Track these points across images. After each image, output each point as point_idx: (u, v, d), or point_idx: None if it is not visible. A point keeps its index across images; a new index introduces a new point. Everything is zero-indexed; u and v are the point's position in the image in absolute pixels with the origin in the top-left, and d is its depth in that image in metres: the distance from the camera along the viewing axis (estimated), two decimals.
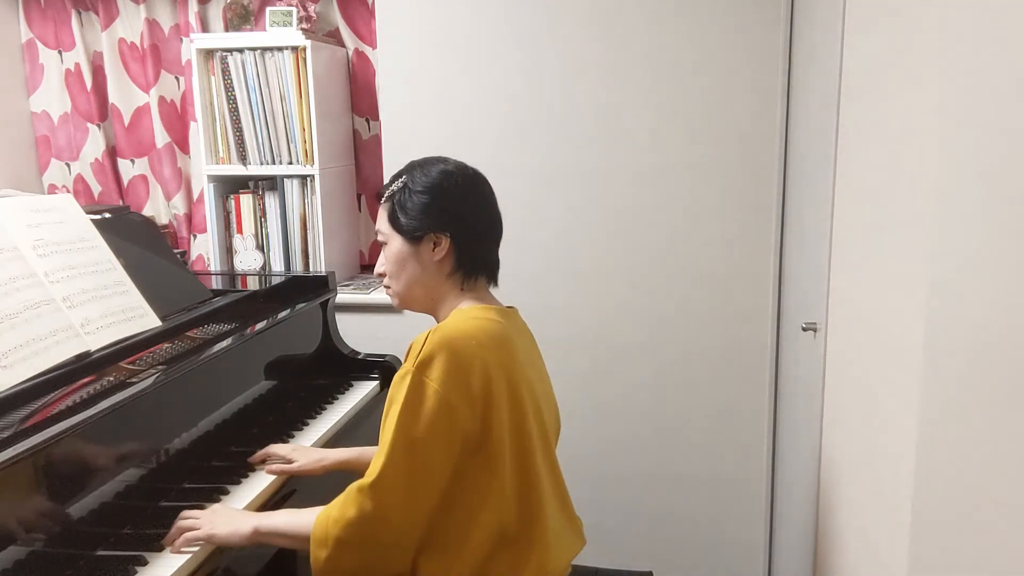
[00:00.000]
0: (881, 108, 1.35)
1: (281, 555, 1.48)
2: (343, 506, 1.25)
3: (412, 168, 1.39)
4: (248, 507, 1.47)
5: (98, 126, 2.80)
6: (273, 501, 1.55)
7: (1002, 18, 0.98)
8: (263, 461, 1.63)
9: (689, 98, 2.22)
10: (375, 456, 1.26)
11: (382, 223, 1.40)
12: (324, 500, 1.31)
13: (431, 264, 1.36)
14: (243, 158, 2.48)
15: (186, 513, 1.36)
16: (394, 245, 1.38)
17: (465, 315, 1.32)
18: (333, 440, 1.82)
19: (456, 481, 1.27)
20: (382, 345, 2.30)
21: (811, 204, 1.90)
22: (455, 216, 1.35)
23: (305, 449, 1.65)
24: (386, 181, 1.42)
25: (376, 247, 2.77)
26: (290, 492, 1.59)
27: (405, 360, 1.29)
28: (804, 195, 1.99)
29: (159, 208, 2.84)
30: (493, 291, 1.45)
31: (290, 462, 1.61)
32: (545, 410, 1.41)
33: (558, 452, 1.44)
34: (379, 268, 1.43)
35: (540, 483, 1.33)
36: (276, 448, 1.64)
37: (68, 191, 2.85)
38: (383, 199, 1.40)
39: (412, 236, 1.36)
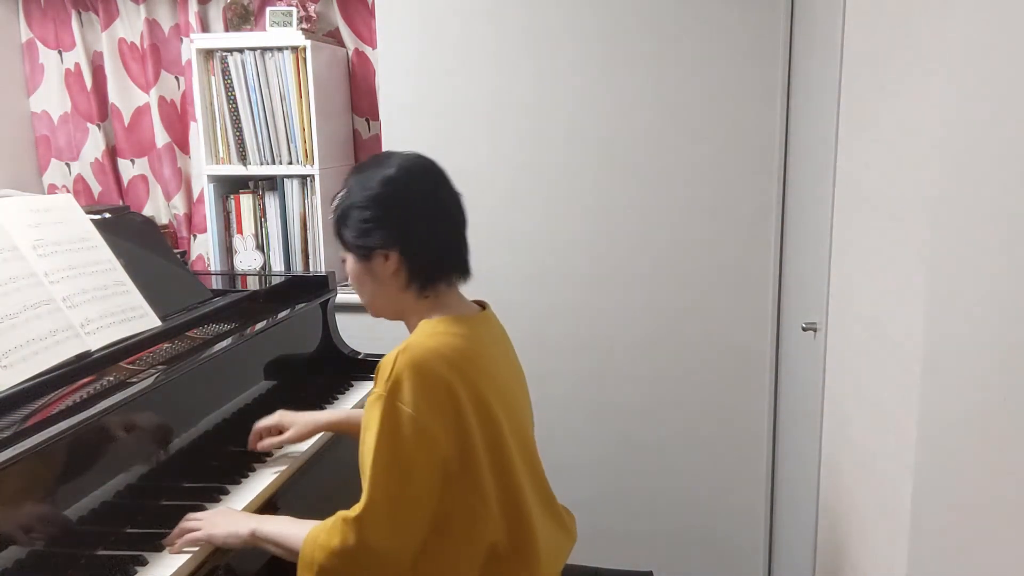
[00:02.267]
0: (881, 107, 1.35)
1: None
2: (329, 533, 1.22)
3: (353, 178, 1.33)
4: (248, 507, 1.47)
5: (98, 126, 2.80)
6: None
7: (1002, 17, 0.98)
8: (257, 446, 1.63)
9: (689, 97, 2.22)
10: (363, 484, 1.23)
11: (336, 237, 1.37)
12: (309, 512, 1.30)
13: (387, 277, 1.31)
14: (243, 158, 2.48)
15: (190, 515, 1.36)
16: (348, 263, 1.35)
17: (431, 330, 1.28)
18: (334, 440, 1.82)
19: (443, 505, 1.24)
20: (382, 345, 2.29)
21: (811, 204, 1.90)
22: (401, 229, 1.29)
23: (293, 415, 1.65)
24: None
25: None
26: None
27: (376, 382, 1.25)
28: (804, 195, 1.99)
29: (159, 208, 2.84)
30: (465, 287, 1.40)
31: (281, 431, 1.62)
32: (521, 414, 1.39)
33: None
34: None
35: (524, 498, 1.30)
36: (263, 421, 1.63)
37: (68, 191, 2.85)
38: (331, 211, 1.36)
39: (360, 253, 1.32)
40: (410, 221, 1.30)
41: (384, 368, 1.23)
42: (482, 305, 1.43)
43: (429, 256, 1.32)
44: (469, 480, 1.25)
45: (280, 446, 1.63)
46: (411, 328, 1.36)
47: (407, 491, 1.21)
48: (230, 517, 1.36)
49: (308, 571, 1.24)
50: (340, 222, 1.33)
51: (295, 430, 1.62)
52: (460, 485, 1.24)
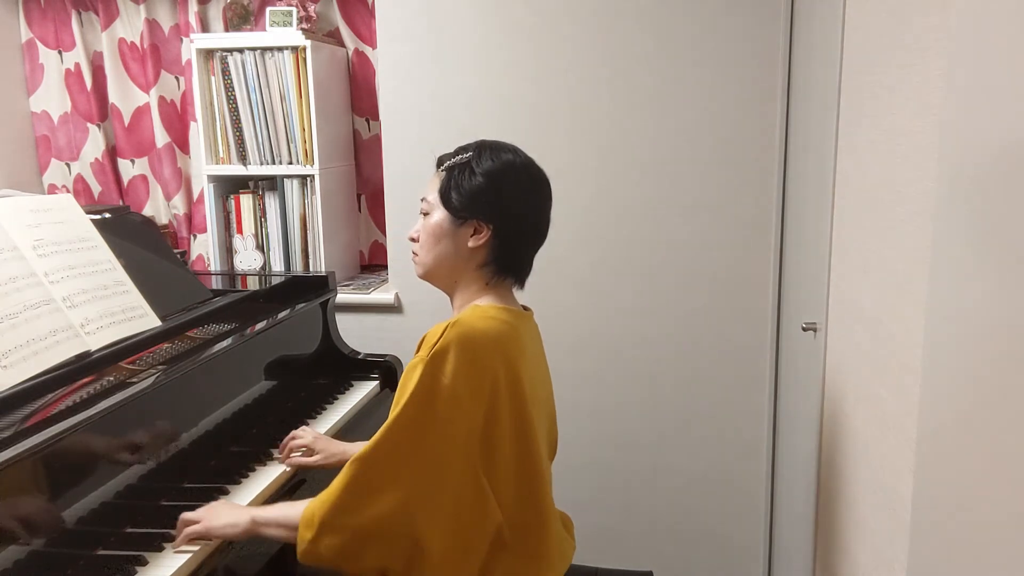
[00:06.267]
0: (881, 108, 1.35)
1: (281, 554, 1.48)
2: (332, 485, 1.25)
3: (481, 148, 1.36)
4: (249, 505, 1.47)
5: (98, 126, 2.79)
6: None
7: (1002, 17, 0.98)
8: (285, 450, 1.65)
9: (689, 98, 2.22)
10: None
11: (431, 192, 1.37)
12: None
13: (465, 249, 1.34)
14: (243, 158, 2.48)
15: (186, 513, 1.36)
16: (436, 217, 1.36)
17: (482, 313, 1.30)
18: (338, 436, 1.82)
19: (460, 482, 1.24)
20: (382, 345, 2.30)
21: (811, 204, 1.90)
22: (505, 210, 1.33)
23: (327, 440, 1.66)
24: (451, 150, 1.39)
25: (377, 247, 2.77)
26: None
27: (418, 350, 1.27)
28: (804, 195, 1.99)
29: (159, 208, 2.84)
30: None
31: (312, 452, 1.63)
32: (547, 418, 1.42)
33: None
34: (413, 233, 1.41)
35: (544, 489, 1.31)
36: (299, 433, 1.66)
37: (68, 191, 2.85)
38: (440, 167, 1.38)
39: (457, 215, 1.34)
40: (515, 207, 1.35)
41: (431, 337, 1.25)
42: (527, 310, 1.46)
43: (517, 247, 1.37)
44: (490, 459, 1.26)
45: (307, 467, 1.63)
46: (455, 305, 1.39)
47: (414, 446, 1.22)
48: (228, 509, 1.36)
49: (308, 529, 1.23)
50: (450, 179, 1.35)
51: (323, 457, 1.63)
52: (480, 462, 1.25)
